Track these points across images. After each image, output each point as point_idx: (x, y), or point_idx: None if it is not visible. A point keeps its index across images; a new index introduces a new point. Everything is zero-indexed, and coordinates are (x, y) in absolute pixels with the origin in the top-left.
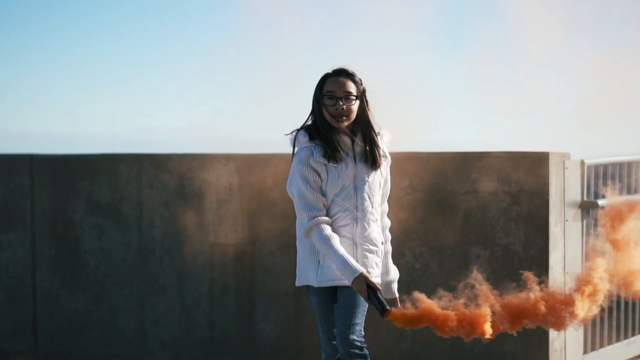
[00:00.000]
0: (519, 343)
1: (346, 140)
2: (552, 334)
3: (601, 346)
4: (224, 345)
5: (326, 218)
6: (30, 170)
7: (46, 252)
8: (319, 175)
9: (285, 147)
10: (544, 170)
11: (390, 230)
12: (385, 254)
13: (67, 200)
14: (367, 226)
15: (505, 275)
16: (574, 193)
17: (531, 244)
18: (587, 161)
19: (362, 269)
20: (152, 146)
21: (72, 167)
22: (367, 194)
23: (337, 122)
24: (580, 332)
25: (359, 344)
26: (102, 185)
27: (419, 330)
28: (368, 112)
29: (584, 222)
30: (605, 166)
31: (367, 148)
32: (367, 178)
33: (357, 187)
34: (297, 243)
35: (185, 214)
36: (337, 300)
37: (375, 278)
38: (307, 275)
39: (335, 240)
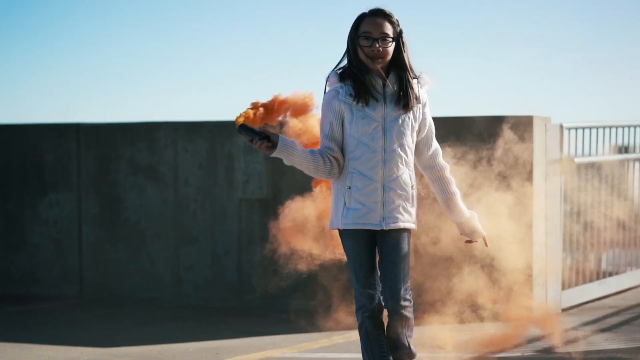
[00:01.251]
0: (507, 277)
1: (378, 81)
2: (535, 270)
3: (577, 284)
4: (250, 287)
5: (327, 151)
6: (77, 137)
7: (91, 209)
8: (343, 116)
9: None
10: (529, 131)
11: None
12: (453, 196)
13: (111, 163)
14: (395, 169)
15: (493, 220)
16: (554, 151)
17: (517, 195)
18: (565, 124)
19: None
20: None
21: (115, 134)
22: (396, 136)
23: (372, 63)
24: (560, 271)
25: (409, 301)
26: (142, 150)
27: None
28: (404, 54)
29: (562, 176)
30: (585, 129)
31: (400, 90)
32: (397, 120)
33: (386, 129)
34: (332, 187)
35: (216, 174)
36: (374, 246)
37: (406, 224)
38: (336, 218)
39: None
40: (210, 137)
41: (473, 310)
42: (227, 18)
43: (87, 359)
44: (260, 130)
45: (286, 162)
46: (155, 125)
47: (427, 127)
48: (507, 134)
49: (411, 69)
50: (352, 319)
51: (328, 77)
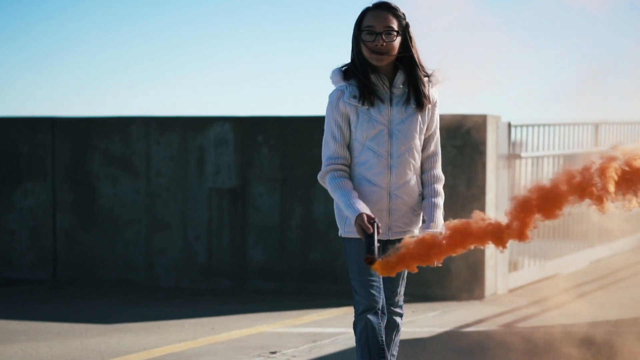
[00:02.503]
0: (462, 261)
1: (385, 80)
2: (487, 254)
3: (521, 267)
4: (219, 269)
5: (343, 167)
6: (52, 130)
7: (66, 197)
8: (349, 118)
9: (272, 111)
10: (482, 129)
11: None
12: (433, 206)
13: (85, 154)
14: (403, 175)
15: (450, 209)
16: (504, 147)
17: (472, 186)
18: (513, 122)
19: (364, 210)
20: None
21: (90, 127)
22: (403, 140)
23: (377, 60)
24: (507, 255)
25: (401, 304)
26: (116, 142)
27: None
28: (412, 49)
29: (510, 170)
30: (528, 127)
31: (409, 89)
32: (404, 122)
33: (392, 133)
34: None
35: (187, 165)
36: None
37: (411, 232)
38: (340, 225)
39: (347, 185)
40: (182, 131)
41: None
42: (198, 17)
43: (94, 333)
44: (368, 235)
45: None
46: (128, 120)
47: (433, 129)
48: (465, 130)
49: (422, 65)
50: (319, 299)
51: (332, 73)
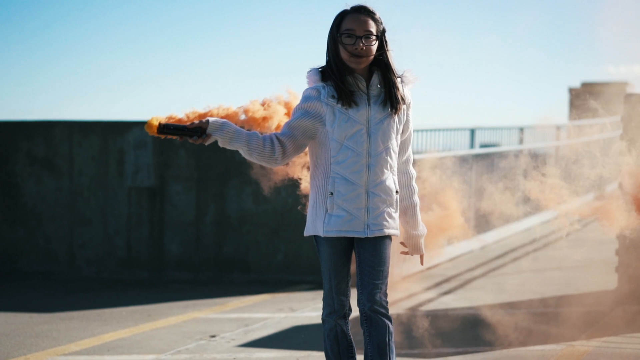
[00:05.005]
0: None
1: (362, 82)
2: None
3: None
4: (139, 262)
5: (274, 136)
6: None
7: None
8: (322, 116)
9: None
10: None
11: None
12: (414, 206)
13: (9, 155)
14: (380, 174)
15: None
16: None
17: None
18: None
19: (212, 119)
20: None
21: (13, 130)
22: (381, 139)
23: (355, 63)
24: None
25: (385, 304)
26: (40, 144)
27: (290, 244)
28: (388, 52)
29: None
30: (425, 132)
31: (385, 91)
32: (382, 122)
33: (371, 132)
34: (310, 192)
35: (108, 165)
36: (350, 252)
37: (390, 230)
38: (314, 224)
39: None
40: (103, 135)
41: None
42: (121, 22)
43: (40, 322)
44: (183, 126)
45: (222, 143)
46: (51, 124)
47: (409, 130)
48: None
49: (394, 68)
50: (234, 287)
51: (308, 73)
